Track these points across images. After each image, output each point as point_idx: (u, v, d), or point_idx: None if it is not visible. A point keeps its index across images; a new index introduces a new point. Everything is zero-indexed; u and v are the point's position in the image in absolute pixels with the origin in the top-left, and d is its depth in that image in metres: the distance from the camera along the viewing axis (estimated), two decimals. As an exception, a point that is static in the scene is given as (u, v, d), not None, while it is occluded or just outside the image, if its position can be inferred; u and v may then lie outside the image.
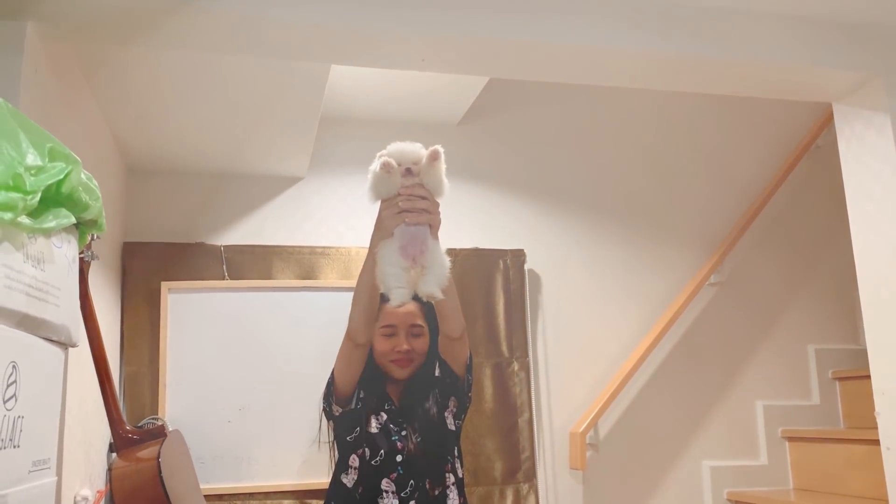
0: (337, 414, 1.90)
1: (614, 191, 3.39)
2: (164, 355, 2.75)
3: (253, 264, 2.92)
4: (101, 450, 2.39)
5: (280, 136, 2.64)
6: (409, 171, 1.55)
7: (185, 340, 2.79)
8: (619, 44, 1.89)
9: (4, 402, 0.95)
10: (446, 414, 1.89)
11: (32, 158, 0.93)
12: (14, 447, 0.99)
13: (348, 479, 1.82)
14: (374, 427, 1.85)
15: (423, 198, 1.57)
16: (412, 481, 1.79)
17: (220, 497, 2.70)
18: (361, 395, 1.90)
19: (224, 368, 2.82)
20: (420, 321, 1.94)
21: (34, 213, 1.00)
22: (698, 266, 3.37)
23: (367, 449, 1.82)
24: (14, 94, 1.47)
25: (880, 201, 1.97)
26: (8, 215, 0.87)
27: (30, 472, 1.06)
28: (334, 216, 3.08)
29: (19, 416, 1.00)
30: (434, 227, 1.60)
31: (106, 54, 1.97)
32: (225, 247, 2.91)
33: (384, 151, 1.57)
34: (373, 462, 1.81)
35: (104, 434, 2.38)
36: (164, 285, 2.80)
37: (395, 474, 1.79)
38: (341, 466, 1.86)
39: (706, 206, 3.47)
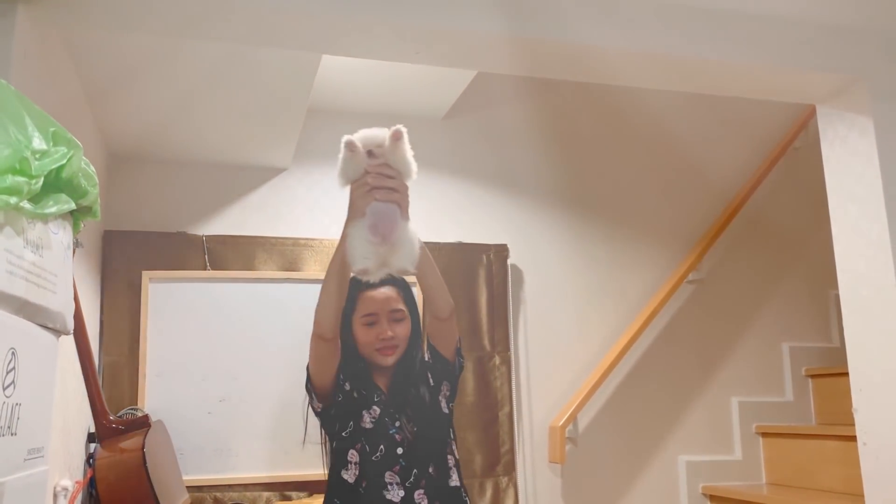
0: (319, 410, 1.89)
1: (596, 188, 3.42)
2: (143, 345, 2.73)
3: (235, 255, 2.90)
4: (79, 439, 2.35)
5: (266, 126, 2.63)
6: (371, 154, 1.57)
7: (165, 330, 2.77)
8: (607, 42, 1.91)
9: (3, 389, 0.94)
10: (440, 398, 1.88)
11: (38, 142, 0.92)
12: (11, 435, 0.98)
13: (349, 475, 1.81)
14: (367, 422, 1.83)
15: (391, 177, 1.59)
16: (415, 470, 1.79)
17: (199, 488, 2.68)
18: (347, 388, 1.88)
19: (205, 359, 2.80)
20: (400, 305, 1.91)
21: (35, 198, 0.99)
22: (677, 263, 3.41)
23: (365, 444, 1.81)
24: (4, 77, 1.44)
25: (862, 203, 2.01)
26: (13, 199, 0.86)
27: (25, 460, 1.05)
28: (318, 208, 3.07)
29: (17, 404, 0.99)
30: (403, 206, 1.61)
31: (93, 40, 1.94)
32: (207, 237, 2.89)
33: (349, 136, 1.58)
34: (373, 458, 1.80)
35: (83, 424, 2.35)
36: (145, 275, 2.77)
37: (397, 466, 1.79)
38: (339, 462, 1.84)
39: (686, 204, 3.51)
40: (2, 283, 0.91)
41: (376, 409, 1.84)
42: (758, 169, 3.60)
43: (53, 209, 1.01)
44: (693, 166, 3.57)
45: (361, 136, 1.59)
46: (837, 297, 3.52)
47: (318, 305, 1.76)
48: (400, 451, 1.80)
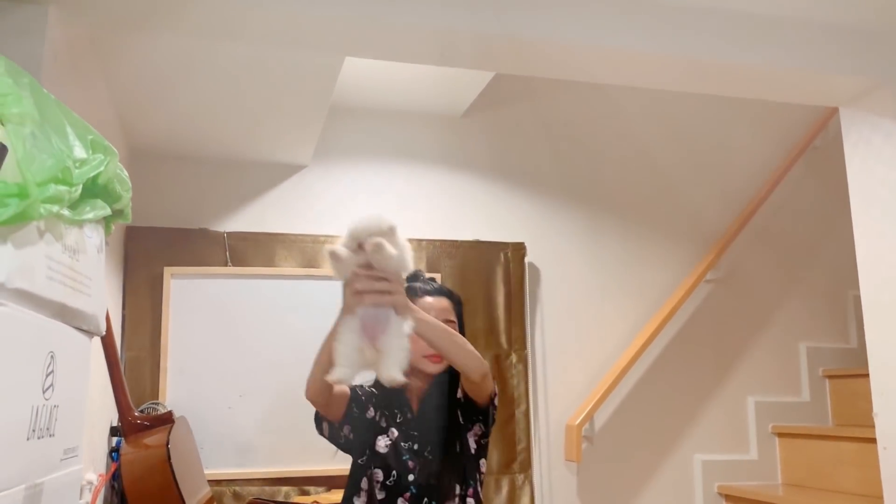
0: (334, 441, 1.83)
1: (615, 187, 3.42)
2: (165, 340, 2.76)
3: (256, 251, 2.93)
4: (102, 433, 2.39)
5: (288, 124, 2.64)
6: (360, 248, 1.45)
7: (186, 326, 2.80)
8: (629, 44, 1.90)
9: (43, 392, 0.96)
10: (468, 436, 1.85)
11: (79, 151, 0.93)
12: (50, 436, 1.00)
13: (360, 502, 1.80)
14: (382, 447, 1.81)
15: (381, 279, 1.48)
16: (426, 498, 1.78)
17: (219, 482, 2.71)
18: (370, 414, 1.86)
19: (225, 355, 2.82)
20: (452, 317, 1.88)
21: (73, 205, 1.00)
22: (695, 263, 3.41)
23: (377, 470, 1.79)
24: (35, 79, 1.46)
25: (885, 205, 2.00)
26: (55, 208, 0.88)
27: (62, 460, 1.07)
28: (338, 205, 3.08)
29: (55, 406, 1.01)
30: (398, 305, 1.51)
31: (119, 40, 1.96)
32: (228, 233, 2.91)
33: (330, 247, 1.49)
34: (386, 482, 1.79)
35: (106, 418, 2.38)
36: (167, 270, 2.80)
37: (408, 493, 1.78)
38: (352, 488, 1.81)
39: (705, 203, 3.50)
40: (42, 288, 0.93)
41: (394, 432, 1.82)
42: (777, 168, 3.58)
43: (90, 215, 1.03)
44: (712, 165, 3.55)
45: (353, 227, 1.47)
46: (856, 297, 3.57)
47: (310, 375, 1.69)
48: (412, 477, 1.78)
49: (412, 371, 1.82)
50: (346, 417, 1.82)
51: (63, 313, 1.02)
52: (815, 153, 3.63)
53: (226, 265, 2.87)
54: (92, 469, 2.21)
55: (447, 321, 1.82)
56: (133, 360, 2.73)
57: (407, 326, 1.51)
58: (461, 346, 1.66)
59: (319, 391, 1.70)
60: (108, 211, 1.08)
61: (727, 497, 3.24)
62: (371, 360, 1.49)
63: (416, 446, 1.81)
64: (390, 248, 1.45)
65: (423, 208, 3.18)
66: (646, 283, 3.37)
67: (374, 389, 1.89)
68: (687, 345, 3.36)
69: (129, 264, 2.79)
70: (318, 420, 1.82)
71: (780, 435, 3.35)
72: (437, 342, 1.62)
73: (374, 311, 1.49)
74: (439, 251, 3.10)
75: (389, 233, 1.46)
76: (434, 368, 1.83)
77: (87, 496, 2.06)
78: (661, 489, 3.23)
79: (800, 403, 3.44)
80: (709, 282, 3.41)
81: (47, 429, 0.98)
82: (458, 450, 1.83)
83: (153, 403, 2.68)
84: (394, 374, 1.46)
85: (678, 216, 3.47)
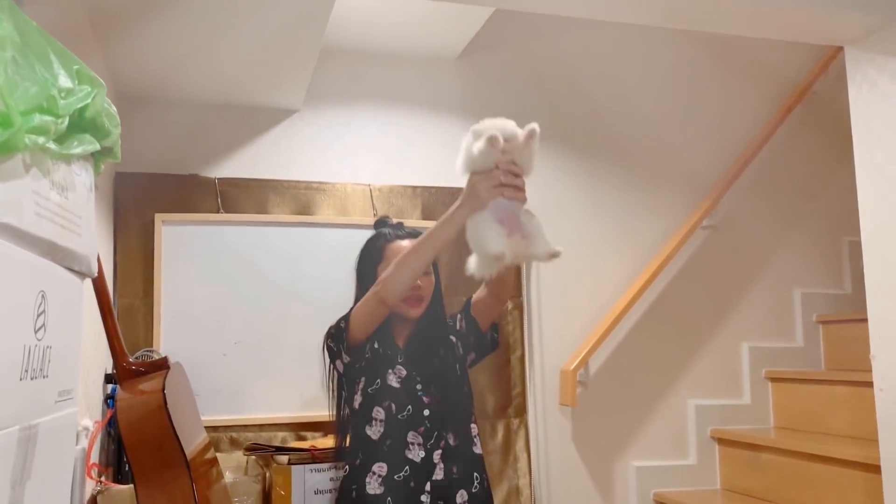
0: (346, 362, 1.89)
1: (611, 133, 3.37)
2: (158, 287, 2.73)
3: (248, 198, 2.88)
4: (97, 380, 2.38)
5: (278, 66, 2.57)
6: (495, 146, 1.56)
7: (179, 273, 2.76)
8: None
9: (35, 332, 0.93)
10: (466, 366, 1.90)
11: (64, 80, 0.89)
12: (43, 377, 0.98)
13: (373, 432, 1.82)
14: (394, 381, 1.84)
15: (518, 175, 1.59)
16: (437, 433, 1.82)
17: (215, 429, 2.72)
18: (375, 346, 1.88)
19: (219, 302, 2.80)
20: None
21: (59, 139, 0.96)
22: (692, 210, 3.38)
23: (392, 404, 1.82)
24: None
25: (889, 149, 1.97)
26: (41, 139, 0.84)
27: (56, 402, 1.05)
28: (330, 151, 3.03)
29: (48, 347, 0.98)
30: (524, 203, 1.64)
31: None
32: (219, 179, 2.86)
33: (479, 126, 1.56)
34: (399, 416, 1.82)
35: (100, 364, 2.37)
36: (158, 217, 2.75)
37: (422, 428, 1.80)
38: (364, 418, 1.84)
39: (701, 150, 3.46)
40: (31, 225, 0.89)
41: (402, 370, 1.85)
42: (775, 114, 3.53)
43: (78, 150, 0.99)
44: (709, 111, 3.50)
45: (493, 126, 1.56)
46: (851, 243, 3.56)
47: (394, 275, 1.75)
48: (427, 412, 1.81)
49: (393, 317, 1.85)
50: (371, 337, 1.86)
51: (53, 252, 0.99)
52: (814, 98, 3.57)
53: (217, 212, 2.82)
54: (88, 415, 2.20)
55: None
56: (126, 308, 2.70)
57: (536, 218, 1.64)
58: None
59: (400, 295, 1.78)
60: (96, 146, 1.04)
61: (720, 440, 3.28)
62: (513, 247, 1.60)
63: (423, 385, 1.85)
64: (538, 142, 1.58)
65: (418, 154, 3.13)
66: (642, 229, 3.35)
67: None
68: (682, 291, 3.36)
69: (120, 211, 2.74)
70: (342, 338, 1.84)
71: (774, 380, 3.38)
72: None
73: (508, 204, 1.60)
74: (435, 198, 3.06)
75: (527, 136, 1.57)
76: (413, 313, 1.86)
77: (84, 442, 2.06)
78: (655, 433, 3.26)
79: (793, 349, 3.46)
80: (705, 228, 3.39)
81: (40, 370, 0.96)
82: (462, 385, 1.86)
83: (147, 351, 2.67)
84: (550, 248, 1.62)
85: (674, 163, 3.43)
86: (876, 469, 2.02)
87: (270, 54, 2.44)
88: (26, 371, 0.90)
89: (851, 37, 2.11)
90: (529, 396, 3.11)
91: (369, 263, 1.92)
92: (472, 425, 1.89)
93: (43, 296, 0.95)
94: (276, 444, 2.66)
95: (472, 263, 1.66)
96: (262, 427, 2.78)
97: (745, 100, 3.56)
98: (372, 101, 3.11)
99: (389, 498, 1.80)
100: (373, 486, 1.82)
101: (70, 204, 1.04)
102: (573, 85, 3.34)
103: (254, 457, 2.54)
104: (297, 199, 2.93)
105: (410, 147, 3.13)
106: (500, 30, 3.19)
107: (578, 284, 3.25)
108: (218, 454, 2.44)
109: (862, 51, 2.09)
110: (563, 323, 3.21)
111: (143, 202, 2.76)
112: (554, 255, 1.61)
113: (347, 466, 1.91)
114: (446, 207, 3.02)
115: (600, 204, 3.31)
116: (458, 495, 1.83)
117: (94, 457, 2.27)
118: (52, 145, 0.92)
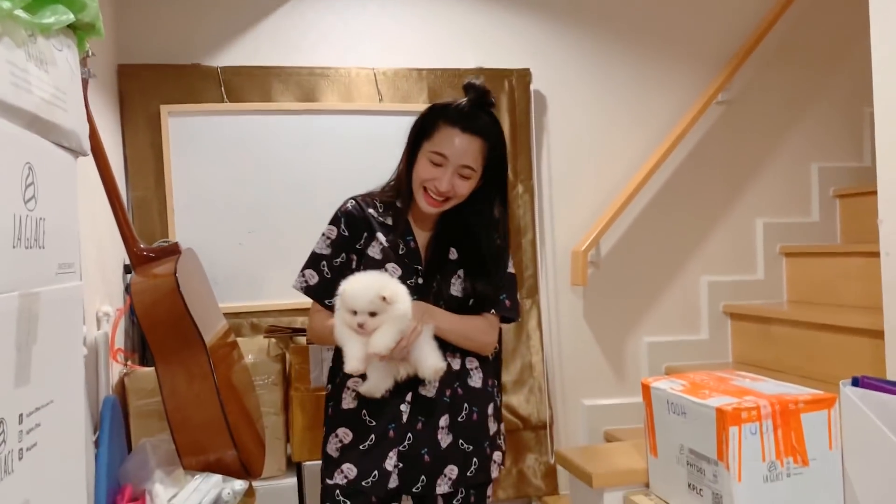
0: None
1: (623, 7, 3.25)
2: (169, 179, 2.76)
3: (251, 86, 2.86)
4: (116, 270, 2.45)
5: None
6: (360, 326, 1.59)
7: (189, 164, 2.78)
8: None
9: (25, 203, 0.96)
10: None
11: (25, -57, 0.87)
12: (39, 248, 1.00)
13: None
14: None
15: (404, 337, 1.61)
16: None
17: (236, 315, 2.80)
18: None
19: (231, 192, 2.83)
20: (472, 163, 1.68)
21: (31, 8, 0.95)
22: (706, 84, 3.29)
23: None
24: None
25: (906, 4, 1.88)
26: (6, 4, 0.83)
27: (56, 273, 1.08)
28: (332, 35, 2.97)
29: (41, 219, 1.01)
30: (420, 332, 1.64)
31: None
32: (222, 68, 2.83)
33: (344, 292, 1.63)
34: None
35: (118, 255, 2.43)
36: (164, 108, 2.75)
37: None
38: None
39: (715, 23, 3.34)
40: (7, 95, 0.89)
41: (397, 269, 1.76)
42: (796, -21, 3.37)
43: (51, 19, 0.98)
44: (727, -22, 3.36)
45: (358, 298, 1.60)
46: (872, 115, 3.45)
47: (315, 331, 1.93)
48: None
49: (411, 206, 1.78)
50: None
51: (36, 125, 1.00)
52: (837, -39, 3.40)
53: (222, 101, 2.81)
54: (109, 303, 2.28)
55: (464, 166, 1.67)
56: (139, 200, 2.75)
57: (429, 330, 1.66)
58: (473, 340, 1.76)
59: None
60: (70, 17, 1.03)
61: (732, 315, 3.32)
62: (408, 372, 1.66)
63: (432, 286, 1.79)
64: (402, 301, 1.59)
65: (422, 35, 3.06)
66: (655, 106, 3.28)
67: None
68: (696, 168, 3.32)
69: (125, 103, 2.73)
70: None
71: (788, 255, 3.38)
72: (454, 341, 1.73)
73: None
74: (440, 80, 3.01)
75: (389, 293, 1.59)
76: (427, 209, 1.73)
77: (107, 327, 2.14)
78: (667, 309, 3.30)
79: (809, 224, 3.44)
80: (720, 103, 3.31)
81: (35, 240, 0.99)
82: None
83: (163, 242, 2.72)
84: (438, 365, 1.63)
85: (688, 36, 3.31)
86: (882, 335, 2.03)
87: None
88: (19, 239, 0.93)
89: None
90: (542, 278, 3.15)
91: (420, 134, 1.72)
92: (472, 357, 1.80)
93: (30, 167, 0.97)
94: (297, 326, 2.74)
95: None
96: (281, 312, 2.86)
97: (764, -33, 3.40)
98: (373, -18, 3.02)
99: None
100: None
101: (51, 78, 1.04)
102: (583, -44, 3.21)
103: (274, 339, 2.63)
104: (300, 86, 2.89)
105: (415, 27, 3.05)
106: None
107: (590, 165, 3.22)
108: (240, 339, 2.53)
109: None
110: (575, 205, 3.21)
111: (148, 94, 2.75)
112: (438, 374, 1.65)
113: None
114: (453, 90, 3.01)
115: (613, 81, 3.24)
116: (441, 419, 1.72)
117: (119, 342, 2.37)
118: (21, 14, 0.91)
